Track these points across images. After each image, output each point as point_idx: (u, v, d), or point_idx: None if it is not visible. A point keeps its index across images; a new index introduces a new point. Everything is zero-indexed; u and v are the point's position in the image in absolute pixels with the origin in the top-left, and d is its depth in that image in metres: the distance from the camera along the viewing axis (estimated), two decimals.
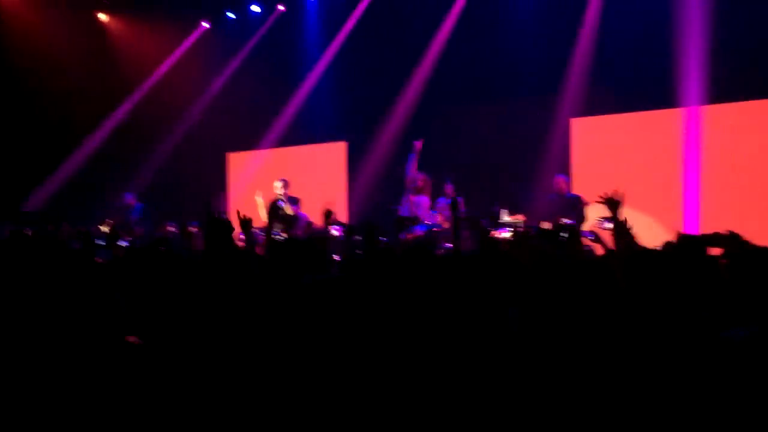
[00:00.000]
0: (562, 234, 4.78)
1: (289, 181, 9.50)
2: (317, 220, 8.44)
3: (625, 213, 4.19)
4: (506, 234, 7.66)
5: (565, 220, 7.45)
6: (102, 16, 12.91)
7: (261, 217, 9.49)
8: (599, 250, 5.58)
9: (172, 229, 8.23)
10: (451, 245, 7.11)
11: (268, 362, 2.53)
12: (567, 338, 2.19)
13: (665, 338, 2.05)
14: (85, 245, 5.06)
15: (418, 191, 9.30)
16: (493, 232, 7.83)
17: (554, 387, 2.08)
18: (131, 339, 2.88)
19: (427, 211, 9.25)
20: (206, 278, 3.30)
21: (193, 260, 4.15)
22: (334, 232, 7.22)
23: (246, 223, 4.33)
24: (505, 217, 8.42)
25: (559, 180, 9.01)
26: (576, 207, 8.63)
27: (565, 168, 9.89)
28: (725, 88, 8.55)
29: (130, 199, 11.12)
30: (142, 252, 4.23)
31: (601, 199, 4.18)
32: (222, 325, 2.81)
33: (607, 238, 4.43)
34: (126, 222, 10.59)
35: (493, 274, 2.64)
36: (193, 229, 7.93)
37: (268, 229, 5.48)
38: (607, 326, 2.21)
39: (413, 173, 9.30)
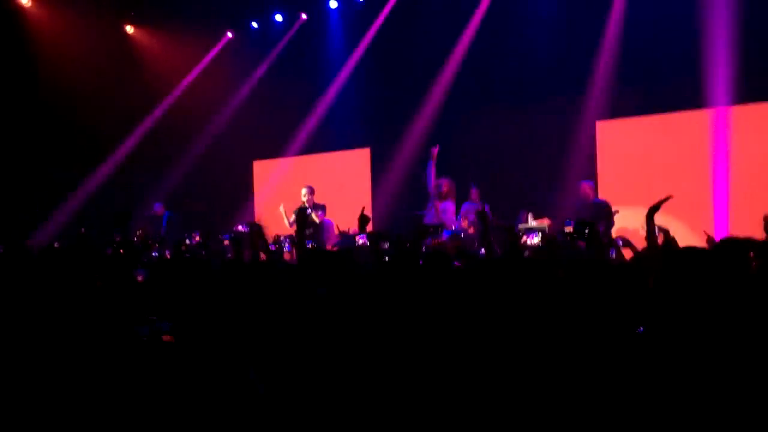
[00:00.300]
0: (585, 231, 4.74)
1: (314, 188, 9.59)
2: (343, 226, 8.48)
3: (655, 216, 4.19)
4: (535, 239, 7.63)
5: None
6: (129, 28, 13.08)
7: (286, 225, 9.58)
8: (629, 254, 5.53)
9: (197, 238, 8.30)
10: (483, 251, 7.10)
11: (285, 368, 2.55)
12: (595, 342, 2.18)
13: (697, 341, 2.03)
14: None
15: (443, 197, 9.29)
16: (523, 238, 7.80)
17: (573, 391, 2.06)
18: (166, 338, 2.93)
19: (454, 216, 9.24)
20: (231, 287, 3.32)
21: (220, 269, 4.18)
22: (360, 240, 7.25)
23: (258, 231, 4.41)
24: (531, 222, 8.40)
25: (585, 186, 8.94)
26: (602, 213, 8.55)
27: (591, 171, 9.81)
28: (753, 87, 8.42)
29: (159, 209, 11.25)
30: (169, 263, 4.29)
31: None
32: (244, 332, 2.83)
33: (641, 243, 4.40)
34: (155, 231, 10.71)
35: (522, 280, 2.62)
36: (225, 242, 8.03)
37: (299, 237, 5.51)
38: (634, 329, 2.19)
39: (433, 179, 9.29)
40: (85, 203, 12.21)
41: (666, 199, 4.23)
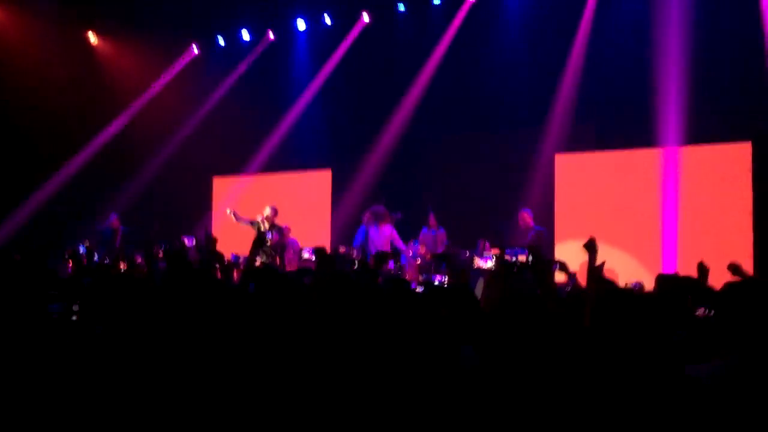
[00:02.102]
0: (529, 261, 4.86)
1: (278, 211, 9.61)
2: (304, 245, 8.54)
3: (604, 250, 4.29)
4: (490, 263, 7.74)
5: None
6: (92, 37, 12.93)
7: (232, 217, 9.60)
8: (563, 278, 5.67)
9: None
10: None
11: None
12: (525, 374, 2.23)
13: (629, 376, 2.10)
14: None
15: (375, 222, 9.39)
16: (477, 261, 7.91)
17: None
18: None
19: (387, 240, 9.27)
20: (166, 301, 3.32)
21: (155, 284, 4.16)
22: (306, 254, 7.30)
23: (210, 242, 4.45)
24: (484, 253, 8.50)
25: (524, 214, 9.18)
26: (541, 239, 8.78)
27: (548, 202, 10.00)
28: (702, 129, 8.72)
29: (114, 220, 11.08)
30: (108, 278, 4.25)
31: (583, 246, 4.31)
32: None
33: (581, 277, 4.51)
34: (109, 243, 10.56)
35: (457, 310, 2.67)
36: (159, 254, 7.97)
37: (250, 258, 5.53)
38: (569, 363, 2.25)
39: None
40: (37, 213, 11.94)
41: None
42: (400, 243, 9.30)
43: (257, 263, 8.01)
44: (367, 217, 9.42)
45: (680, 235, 8.89)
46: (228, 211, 9.84)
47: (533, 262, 4.77)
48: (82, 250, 8.41)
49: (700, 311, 3.30)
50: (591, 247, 4.11)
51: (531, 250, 5.53)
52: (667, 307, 2.69)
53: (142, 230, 11.24)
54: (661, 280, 4.11)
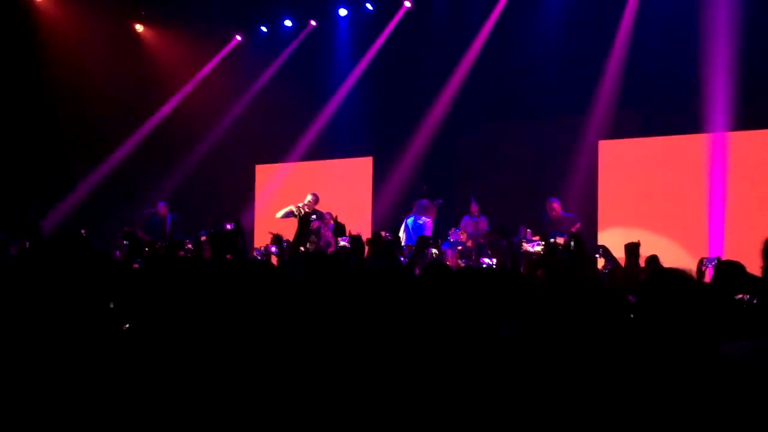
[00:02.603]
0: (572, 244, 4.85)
1: (319, 198, 9.70)
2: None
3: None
4: (538, 247, 7.70)
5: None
6: (138, 27, 13.16)
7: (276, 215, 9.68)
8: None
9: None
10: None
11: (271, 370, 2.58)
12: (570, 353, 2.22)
13: (665, 355, 2.08)
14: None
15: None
16: (524, 245, 7.88)
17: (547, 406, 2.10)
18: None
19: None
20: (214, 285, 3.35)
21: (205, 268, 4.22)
22: (342, 242, 7.35)
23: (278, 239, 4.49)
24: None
25: (553, 202, 9.17)
26: (570, 226, 8.70)
27: (592, 190, 9.88)
28: (751, 115, 8.51)
29: (162, 208, 11.26)
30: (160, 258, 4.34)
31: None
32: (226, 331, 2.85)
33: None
34: (158, 230, 10.76)
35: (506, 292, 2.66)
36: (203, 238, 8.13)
37: (296, 241, 5.62)
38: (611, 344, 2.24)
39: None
40: (86, 201, 12.23)
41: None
42: (429, 233, 9.29)
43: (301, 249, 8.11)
44: (414, 209, 9.47)
45: (727, 222, 8.70)
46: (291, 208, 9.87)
47: (575, 248, 4.75)
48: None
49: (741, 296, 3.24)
50: (631, 250, 4.12)
51: (573, 236, 5.50)
52: (719, 291, 2.64)
53: (188, 217, 11.43)
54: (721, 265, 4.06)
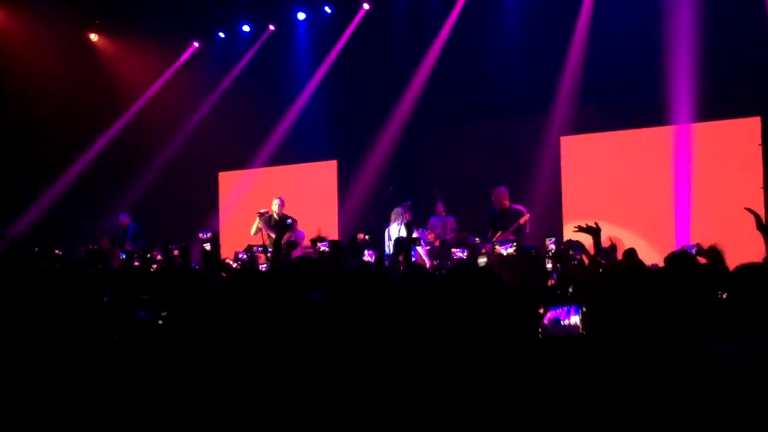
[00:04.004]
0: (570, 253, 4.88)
1: (285, 202, 9.68)
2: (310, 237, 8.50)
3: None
4: (510, 249, 7.71)
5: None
6: (93, 36, 12.91)
7: (250, 232, 9.59)
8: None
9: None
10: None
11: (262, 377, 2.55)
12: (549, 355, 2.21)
13: (651, 359, 2.07)
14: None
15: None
16: (498, 248, 7.88)
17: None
18: None
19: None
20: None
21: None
22: (322, 247, 7.30)
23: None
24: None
25: (501, 191, 8.89)
26: (516, 220, 8.65)
27: (555, 186, 9.95)
28: (713, 105, 8.64)
29: (125, 219, 11.09)
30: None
31: (576, 229, 4.37)
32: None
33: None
34: (120, 241, 10.59)
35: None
36: (175, 252, 8.01)
37: (276, 245, 5.59)
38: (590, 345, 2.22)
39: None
40: (46, 215, 11.96)
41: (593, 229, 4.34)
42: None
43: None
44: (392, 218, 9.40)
45: (693, 214, 8.81)
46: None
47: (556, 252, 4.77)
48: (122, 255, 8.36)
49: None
50: (594, 230, 4.14)
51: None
52: (683, 287, 2.64)
53: (151, 227, 11.26)
54: (671, 260, 4.08)
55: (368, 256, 7.00)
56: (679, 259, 4.08)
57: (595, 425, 1.97)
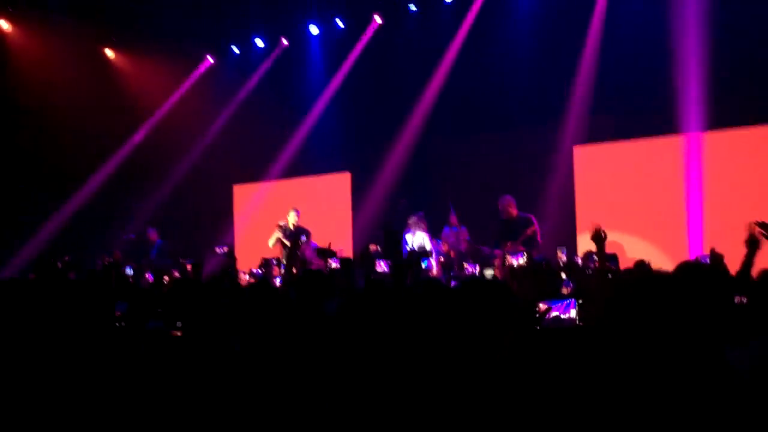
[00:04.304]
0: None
1: (299, 212, 9.79)
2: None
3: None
4: (521, 260, 7.75)
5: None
6: (108, 52, 13.09)
7: (269, 244, 9.67)
8: None
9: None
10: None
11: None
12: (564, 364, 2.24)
13: (667, 362, 2.09)
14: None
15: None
16: (509, 258, 7.91)
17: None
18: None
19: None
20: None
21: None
22: (333, 264, 7.37)
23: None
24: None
25: (508, 200, 8.81)
26: (527, 228, 8.58)
27: (568, 195, 9.95)
28: (725, 114, 8.63)
29: (152, 234, 11.16)
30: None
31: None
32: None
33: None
34: (135, 254, 10.68)
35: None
36: (188, 266, 8.11)
37: (290, 259, 5.67)
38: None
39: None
40: (62, 228, 12.09)
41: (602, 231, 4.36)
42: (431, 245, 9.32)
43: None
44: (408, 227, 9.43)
45: (705, 222, 8.79)
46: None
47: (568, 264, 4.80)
48: (129, 271, 8.45)
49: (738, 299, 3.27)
50: (598, 238, 4.15)
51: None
52: (696, 293, 2.66)
53: (172, 242, 11.35)
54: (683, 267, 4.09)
55: (382, 266, 7.05)
56: (691, 266, 4.09)
57: (598, 417, 2.01)
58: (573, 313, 5.55)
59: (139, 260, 10.23)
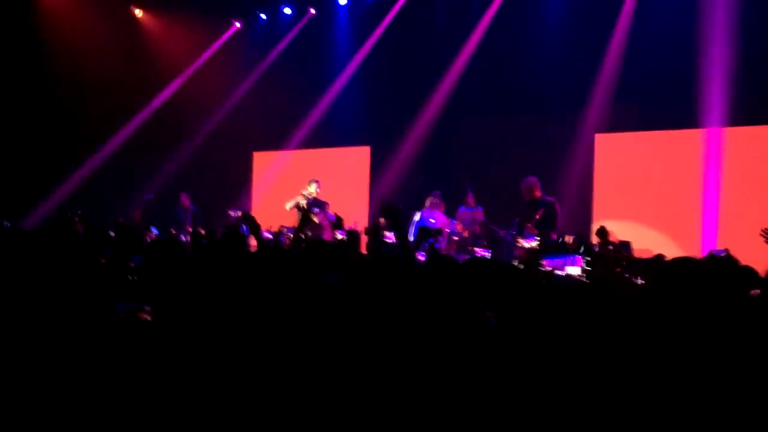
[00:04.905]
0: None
1: (320, 183, 9.76)
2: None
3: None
4: (534, 242, 7.79)
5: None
6: (137, 12, 13.13)
7: (286, 207, 9.70)
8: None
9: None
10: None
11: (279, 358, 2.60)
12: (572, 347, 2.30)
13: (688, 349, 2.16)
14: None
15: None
16: (520, 240, 7.95)
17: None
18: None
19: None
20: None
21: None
22: (339, 235, 7.45)
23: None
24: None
25: (532, 182, 8.56)
26: (552, 211, 8.31)
27: (587, 182, 9.96)
28: (747, 111, 8.59)
29: (185, 200, 11.23)
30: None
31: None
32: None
33: None
34: (179, 222, 10.75)
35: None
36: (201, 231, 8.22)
37: (297, 233, 5.75)
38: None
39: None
40: (83, 188, 12.24)
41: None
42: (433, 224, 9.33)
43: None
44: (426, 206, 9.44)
45: (721, 217, 8.79)
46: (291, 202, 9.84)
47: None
48: (154, 231, 8.50)
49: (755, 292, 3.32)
50: (602, 233, 4.23)
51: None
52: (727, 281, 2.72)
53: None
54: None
55: (389, 238, 7.12)
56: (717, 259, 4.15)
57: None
58: (574, 270, 5.63)
59: (162, 221, 10.28)
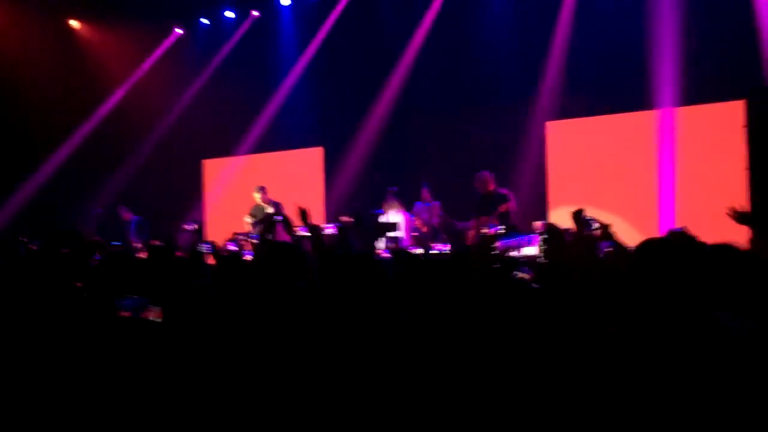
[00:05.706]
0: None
1: (265, 187, 9.62)
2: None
3: (600, 215, 4.37)
4: (498, 231, 7.78)
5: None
6: (74, 23, 12.75)
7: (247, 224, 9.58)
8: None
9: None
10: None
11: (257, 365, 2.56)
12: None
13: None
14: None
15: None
16: (483, 230, 7.94)
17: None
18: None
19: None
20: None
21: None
22: (329, 230, 7.34)
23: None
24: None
25: (486, 176, 8.75)
26: (501, 203, 8.50)
27: (540, 171, 9.98)
28: (698, 89, 8.67)
29: (126, 213, 10.94)
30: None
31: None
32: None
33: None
34: (124, 235, 10.51)
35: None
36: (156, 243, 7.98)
37: (262, 239, 5.63)
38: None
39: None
40: (29, 204, 11.84)
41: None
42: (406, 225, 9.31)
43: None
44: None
45: (677, 198, 8.87)
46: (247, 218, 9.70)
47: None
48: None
49: None
50: (577, 218, 4.21)
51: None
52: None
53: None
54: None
55: (329, 229, 7.01)
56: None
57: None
58: (531, 250, 5.59)
59: (109, 236, 10.02)
